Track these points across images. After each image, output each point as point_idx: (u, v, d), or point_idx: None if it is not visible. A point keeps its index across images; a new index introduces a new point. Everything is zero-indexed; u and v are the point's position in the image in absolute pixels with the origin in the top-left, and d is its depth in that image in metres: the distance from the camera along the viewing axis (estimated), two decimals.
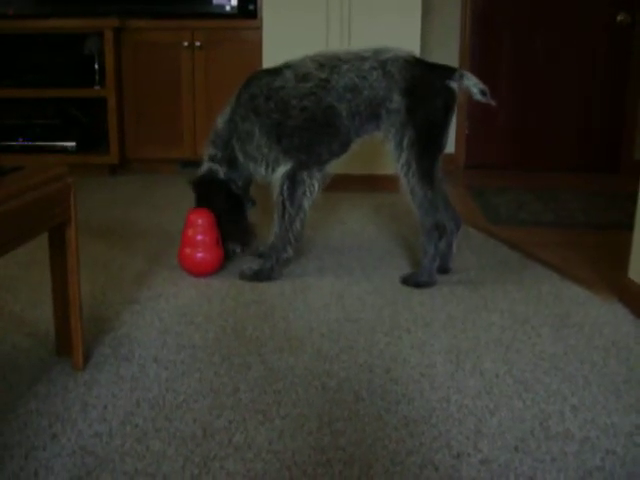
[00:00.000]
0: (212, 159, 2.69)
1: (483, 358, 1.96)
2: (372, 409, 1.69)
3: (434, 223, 2.50)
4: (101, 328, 2.14)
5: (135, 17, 4.42)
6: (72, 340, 1.86)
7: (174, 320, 2.21)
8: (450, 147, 5.13)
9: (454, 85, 2.51)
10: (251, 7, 4.49)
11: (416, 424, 1.62)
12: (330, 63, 2.54)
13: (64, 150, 4.49)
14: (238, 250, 2.75)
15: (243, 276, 2.59)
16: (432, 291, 2.49)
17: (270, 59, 3.75)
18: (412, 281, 2.56)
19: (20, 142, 4.52)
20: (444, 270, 2.67)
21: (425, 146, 2.48)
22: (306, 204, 2.59)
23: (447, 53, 4.99)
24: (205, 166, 2.72)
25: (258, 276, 2.58)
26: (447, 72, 2.52)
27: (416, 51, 3.99)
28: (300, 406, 1.69)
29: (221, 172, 2.68)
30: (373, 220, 3.49)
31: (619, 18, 4.76)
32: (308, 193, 2.58)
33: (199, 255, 2.57)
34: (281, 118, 2.54)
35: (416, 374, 1.86)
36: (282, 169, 2.57)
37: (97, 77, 4.47)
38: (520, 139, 5.09)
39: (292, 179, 2.55)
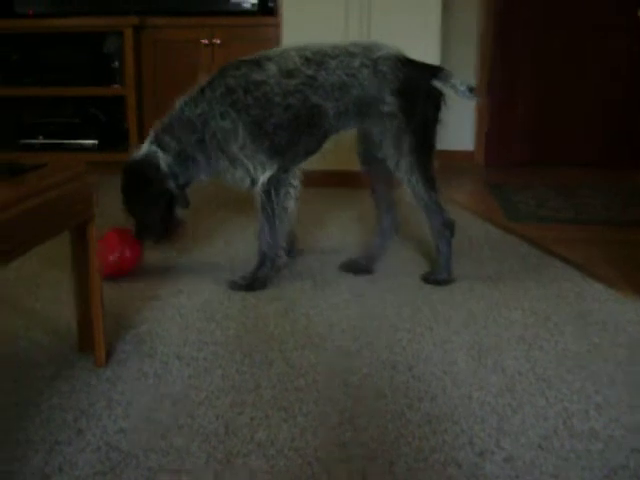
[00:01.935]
0: (158, 144, 2.45)
1: (505, 355, 1.95)
2: (394, 406, 1.68)
3: (443, 222, 2.50)
4: (122, 324, 2.15)
5: (154, 15, 4.44)
6: (94, 336, 1.87)
7: (195, 317, 2.22)
8: (469, 145, 5.12)
9: (441, 85, 2.47)
10: (270, 4, 4.49)
11: (439, 421, 1.61)
12: (317, 58, 2.41)
13: (84, 148, 4.52)
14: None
15: (235, 286, 2.46)
16: (452, 288, 2.48)
17: None
18: (432, 279, 2.55)
19: (41, 140, 4.55)
20: (368, 271, 2.63)
21: (425, 151, 2.45)
22: (291, 206, 2.48)
23: (466, 51, 4.98)
24: (145, 148, 2.47)
25: (253, 285, 2.47)
26: (434, 71, 2.48)
27: (436, 49, 4.00)
28: (322, 403, 1.69)
29: (163, 161, 2.42)
30: None
31: None
32: (292, 194, 2.48)
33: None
34: (261, 115, 2.39)
35: (438, 371, 1.86)
36: (268, 172, 2.44)
37: (117, 75, 4.49)
38: (540, 136, 5.06)
39: (275, 183, 2.44)
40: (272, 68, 2.40)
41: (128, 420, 1.61)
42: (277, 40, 4.09)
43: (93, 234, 1.82)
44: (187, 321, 2.18)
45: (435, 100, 2.46)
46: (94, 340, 1.87)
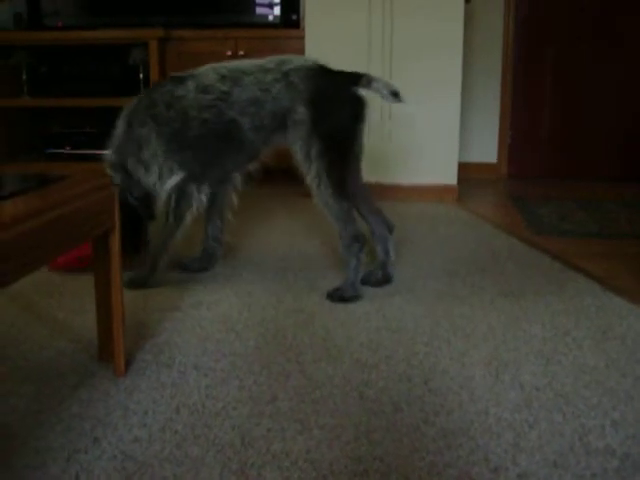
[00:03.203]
0: (110, 165, 2.62)
1: (523, 370, 1.94)
2: (410, 420, 1.68)
3: (353, 234, 2.45)
4: (143, 334, 2.17)
5: (179, 27, 4.49)
6: (114, 346, 1.89)
7: (215, 328, 2.23)
8: (492, 157, 5.11)
9: (362, 92, 2.46)
10: (294, 17, 4.54)
11: (454, 436, 1.61)
12: (232, 75, 2.49)
13: None
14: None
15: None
16: (472, 302, 2.48)
17: None
18: (337, 296, 2.49)
19: (67, 150, 4.62)
20: (386, 280, 2.64)
21: (335, 157, 2.42)
22: (189, 218, 2.57)
23: (490, 61, 4.98)
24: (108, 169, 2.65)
25: (134, 283, 2.55)
26: (354, 79, 2.47)
27: (458, 57, 4.00)
28: (338, 416, 1.70)
29: (116, 178, 2.59)
30: (414, 229, 3.48)
31: None
32: (194, 207, 2.56)
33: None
34: (181, 128, 2.50)
35: (455, 385, 1.86)
36: (173, 180, 2.53)
37: (142, 86, 4.55)
38: (564, 148, 5.05)
39: (181, 192, 2.53)
40: (191, 84, 2.51)
41: (144, 429, 1.62)
42: (301, 52, 4.12)
43: (115, 244, 1.84)
44: (206, 332, 2.20)
45: (353, 108, 2.45)
46: (114, 350, 1.89)
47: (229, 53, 4.41)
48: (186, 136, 2.50)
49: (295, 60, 2.51)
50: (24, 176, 1.80)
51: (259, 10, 4.60)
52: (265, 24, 4.58)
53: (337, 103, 2.44)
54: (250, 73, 2.48)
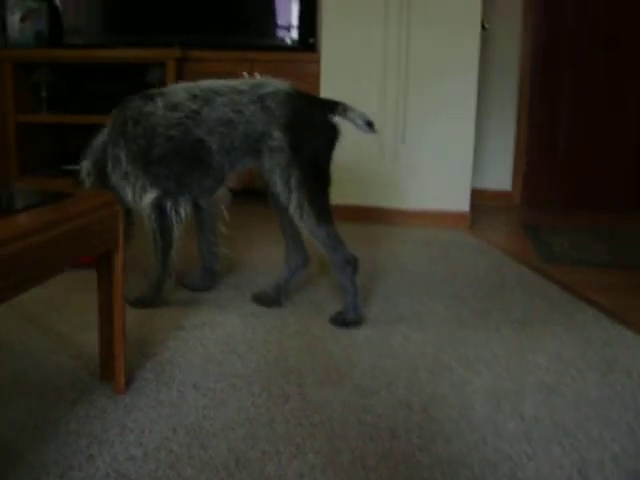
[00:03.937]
0: (86, 174, 2.65)
1: (524, 400, 1.92)
2: (407, 447, 1.67)
3: (345, 259, 2.44)
4: (145, 353, 2.17)
5: (197, 48, 4.54)
6: (115, 365, 1.89)
7: (217, 348, 2.23)
8: (507, 184, 5.10)
9: (337, 120, 2.46)
10: (311, 40, 4.57)
11: (450, 465, 1.59)
12: (204, 95, 2.47)
13: None
14: None
15: (127, 301, 2.41)
16: (477, 329, 2.46)
17: (328, 93, 3.80)
18: (340, 320, 2.47)
19: None
20: (277, 301, 2.65)
21: (315, 185, 2.40)
22: (176, 232, 2.56)
23: (506, 86, 4.98)
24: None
25: (140, 302, 2.57)
26: (330, 106, 2.47)
27: (473, 79, 4.00)
28: (334, 440, 1.68)
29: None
30: (423, 254, 3.47)
31: None
32: (176, 221, 2.55)
33: None
34: (148, 145, 2.49)
35: (454, 414, 1.84)
36: (148, 197, 2.52)
37: None
38: (579, 178, 5.02)
39: (158, 208, 2.52)
40: (160, 101, 2.51)
41: (140, 448, 1.62)
42: (317, 76, 4.15)
43: (119, 262, 1.84)
44: (209, 353, 2.20)
45: (328, 134, 2.45)
46: (115, 368, 1.90)
47: (245, 74, 4.44)
48: (152, 153, 2.49)
49: (270, 84, 2.49)
50: (30, 192, 1.81)
51: (277, 32, 4.64)
52: (282, 47, 4.62)
53: (314, 130, 2.43)
54: (222, 94, 2.46)
